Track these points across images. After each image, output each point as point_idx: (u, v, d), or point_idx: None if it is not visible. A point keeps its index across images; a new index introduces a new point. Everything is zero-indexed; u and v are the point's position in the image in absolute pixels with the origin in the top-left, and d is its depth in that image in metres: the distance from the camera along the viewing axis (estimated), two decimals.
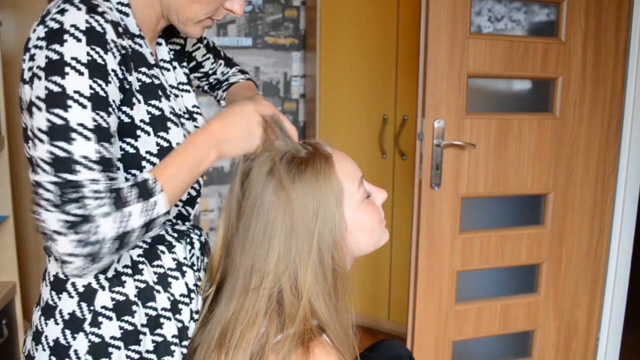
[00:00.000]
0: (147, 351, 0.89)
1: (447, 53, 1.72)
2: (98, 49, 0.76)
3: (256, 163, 0.90)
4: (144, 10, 0.91)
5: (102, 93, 0.77)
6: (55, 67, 0.74)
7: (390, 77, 2.62)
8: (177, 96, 0.99)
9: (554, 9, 1.87)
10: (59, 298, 0.87)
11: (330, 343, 0.86)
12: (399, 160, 2.64)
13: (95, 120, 0.75)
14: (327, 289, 0.87)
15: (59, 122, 0.73)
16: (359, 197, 0.92)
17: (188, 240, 0.99)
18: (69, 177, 0.73)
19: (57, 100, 0.73)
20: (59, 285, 0.87)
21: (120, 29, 0.82)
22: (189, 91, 1.03)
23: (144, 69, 0.88)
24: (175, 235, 0.97)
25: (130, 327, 0.87)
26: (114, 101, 0.79)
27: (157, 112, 0.88)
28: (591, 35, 1.86)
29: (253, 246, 0.87)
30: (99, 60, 0.77)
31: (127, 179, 0.86)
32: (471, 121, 1.79)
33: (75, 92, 0.74)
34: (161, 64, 0.99)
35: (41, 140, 0.74)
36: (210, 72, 1.24)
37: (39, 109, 0.74)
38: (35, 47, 0.76)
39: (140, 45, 0.89)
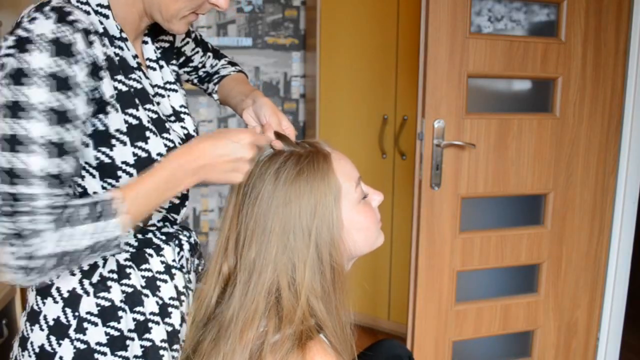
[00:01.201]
0: (135, 356, 0.89)
1: (447, 53, 1.72)
2: (64, 60, 0.74)
3: (256, 161, 0.90)
4: (126, 8, 0.88)
5: (68, 105, 0.74)
6: (20, 76, 0.72)
7: (390, 77, 2.62)
8: (162, 96, 0.96)
9: (554, 9, 1.87)
10: (44, 303, 0.86)
11: (328, 342, 0.86)
12: (399, 160, 2.64)
13: (50, 135, 0.73)
14: (325, 287, 0.87)
15: (22, 132, 0.71)
16: (355, 198, 0.93)
17: (177, 242, 0.98)
18: (7, 188, 0.71)
19: (17, 110, 0.72)
20: (44, 290, 0.86)
21: (93, 36, 0.79)
22: (176, 90, 1.00)
23: (120, 77, 0.84)
24: (163, 237, 0.95)
25: (116, 333, 0.87)
26: (83, 114, 0.77)
27: (134, 122, 0.85)
28: (591, 35, 1.86)
29: (252, 243, 0.88)
30: (66, 72, 0.74)
31: (104, 188, 0.84)
32: (471, 121, 1.79)
33: (39, 103, 0.72)
34: (147, 63, 0.97)
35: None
36: (200, 65, 1.21)
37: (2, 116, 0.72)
38: (5, 55, 0.74)
39: (122, 48, 0.87)
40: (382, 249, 2.71)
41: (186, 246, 1.00)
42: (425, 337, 1.87)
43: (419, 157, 1.78)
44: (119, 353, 0.87)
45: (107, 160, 0.83)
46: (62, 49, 0.74)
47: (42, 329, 0.85)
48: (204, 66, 1.22)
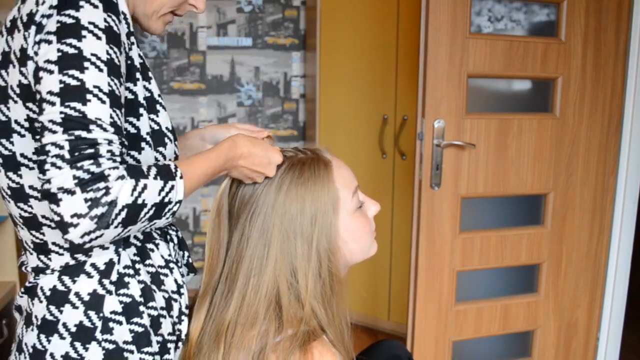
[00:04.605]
0: (152, 353, 0.88)
1: (447, 53, 1.72)
2: (114, 17, 0.76)
3: None
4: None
5: (116, 61, 0.75)
6: (70, 30, 0.72)
7: (390, 77, 2.62)
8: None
9: (554, 9, 1.87)
10: (60, 312, 0.83)
11: (331, 343, 0.86)
12: (399, 160, 2.64)
13: (110, 86, 0.73)
14: (325, 292, 0.88)
15: (74, 83, 0.70)
16: (352, 206, 0.93)
17: (169, 237, 0.99)
18: (83, 134, 0.69)
19: (72, 62, 0.71)
20: (59, 298, 0.83)
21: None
22: None
23: (138, 50, 0.86)
24: (159, 232, 0.96)
25: (140, 329, 0.86)
26: (123, 73, 0.78)
27: (147, 94, 0.87)
28: (591, 35, 1.86)
29: (250, 249, 0.88)
30: (115, 29, 0.75)
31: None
32: (471, 121, 1.79)
33: (92, 54, 0.72)
34: None
35: (52, 103, 0.70)
36: None
37: (50, 72, 0.71)
38: (43, 16, 0.74)
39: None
40: (382, 249, 2.71)
41: (175, 240, 1.01)
42: (425, 337, 1.87)
43: (419, 157, 1.78)
44: (145, 349, 0.86)
45: (133, 130, 0.84)
46: (110, 5, 0.76)
47: (62, 338, 0.82)
48: None
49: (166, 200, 0.75)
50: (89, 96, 0.70)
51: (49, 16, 0.73)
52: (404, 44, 2.55)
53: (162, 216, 0.76)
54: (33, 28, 0.75)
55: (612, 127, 1.95)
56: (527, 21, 1.91)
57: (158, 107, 0.88)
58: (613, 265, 2.04)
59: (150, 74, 0.89)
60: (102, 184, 0.68)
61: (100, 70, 0.72)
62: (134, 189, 0.70)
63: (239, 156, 0.87)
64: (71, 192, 0.67)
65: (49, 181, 0.68)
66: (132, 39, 0.83)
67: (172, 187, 0.75)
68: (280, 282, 0.86)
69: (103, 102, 0.71)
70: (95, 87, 0.71)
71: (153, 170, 0.74)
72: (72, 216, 0.67)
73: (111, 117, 0.72)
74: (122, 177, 0.70)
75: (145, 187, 0.72)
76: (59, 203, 0.67)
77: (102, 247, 0.86)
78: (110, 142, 0.71)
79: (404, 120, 2.60)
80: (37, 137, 0.79)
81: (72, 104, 0.70)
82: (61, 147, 0.68)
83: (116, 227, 0.70)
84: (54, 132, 0.69)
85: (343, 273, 0.95)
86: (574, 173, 1.94)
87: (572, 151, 1.92)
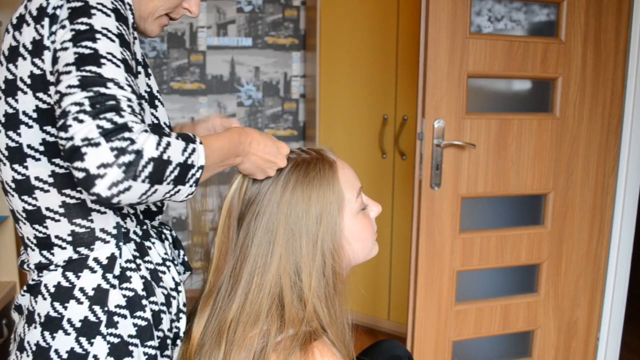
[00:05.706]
0: (154, 347, 0.89)
1: (447, 53, 1.72)
2: (120, 3, 0.78)
3: None
4: None
5: (126, 37, 0.76)
6: (81, 12, 0.74)
7: (390, 77, 2.62)
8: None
9: (554, 9, 1.87)
10: (65, 308, 0.83)
11: (331, 343, 0.86)
12: (399, 160, 2.64)
13: (122, 54, 0.74)
14: (328, 291, 0.89)
15: (88, 51, 0.72)
16: (355, 207, 0.94)
17: (163, 237, 1.00)
18: (102, 90, 0.69)
19: (85, 35, 0.73)
20: (64, 294, 0.84)
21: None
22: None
23: (139, 47, 0.89)
24: (155, 231, 0.97)
25: (144, 323, 0.86)
26: (132, 52, 0.79)
27: (147, 89, 0.89)
28: (591, 35, 1.86)
29: (254, 247, 0.89)
30: (122, 12, 0.78)
31: None
32: (471, 121, 1.79)
33: (103, 28, 0.74)
34: None
35: (68, 72, 0.70)
36: None
37: (65, 49, 0.72)
38: (55, 8, 0.76)
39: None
40: (382, 249, 2.71)
41: (170, 239, 1.02)
42: (425, 337, 1.87)
43: (419, 157, 1.78)
44: (149, 343, 0.86)
45: (155, 121, 0.87)
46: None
47: (67, 334, 0.83)
48: None
49: (189, 162, 0.73)
50: (103, 60, 0.71)
51: (60, 7, 0.76)
52: (404, 44, 2.56)
53: (185, 182, 0.74)
54: (47, 20, 0.77)
55: (612, 127, 1.95)
56: (527, 21, 1.91)
57: (157, 102, 0.90)
58: (613, 265, 2.04)
59: (149, 71, 0.90)
60: (126, 134, 0.67)
61: (112, 40, 0.74)
62: (159, 144, 0.69)
63: (250, 141, 0.88)
64: (96, 144, 0.65)
65: (72, 138, 0.66)
66: (135, 33, 0.85)
67: (194, 150, 0.74)
68: (283, 281, 0.87)
69: (118, 66, 0.72)
70: (108, 53, 0.72)
71: (173, 133, 0.74)
72: (98, 167, 0.65)
73: (127, 80, 0.73)
74: (145, 131, 0.69)
75: (169, 144, 0.71)
76: (83, 157, 0.65)
77: (104, 240, 0.86)
78: (129, 100, 0.71)
79: (404, 120, 2.60)
80: (49, 126, 0.80)
81: (88, 68, 0.70)
82: (81, 104, 0.67)
83: (143, 181, 0.68)
84: (73, 93, 0.69)
85: (345, 273, 0.95)
86: (574, 173, 1.94)
87: (572, 151, 1.92)
